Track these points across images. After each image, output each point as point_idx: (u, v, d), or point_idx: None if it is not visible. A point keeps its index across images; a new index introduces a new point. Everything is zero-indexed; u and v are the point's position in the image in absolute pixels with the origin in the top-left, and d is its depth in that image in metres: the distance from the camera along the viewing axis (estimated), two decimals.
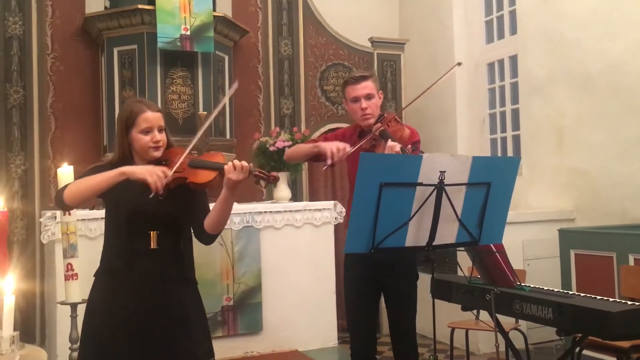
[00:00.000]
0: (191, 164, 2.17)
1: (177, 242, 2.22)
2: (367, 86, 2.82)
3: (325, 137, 3.07)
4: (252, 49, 5.56)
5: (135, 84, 4.66)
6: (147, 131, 2.17)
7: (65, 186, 2.14)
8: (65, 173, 3.10)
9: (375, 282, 2.82)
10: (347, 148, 2.69)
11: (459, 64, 3.05)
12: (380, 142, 2.73)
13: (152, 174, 2.04)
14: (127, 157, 2.21)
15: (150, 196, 2.04)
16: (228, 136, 5.08)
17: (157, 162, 2.21)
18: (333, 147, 2.68)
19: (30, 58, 4.84)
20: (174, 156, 2.22)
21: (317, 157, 2.89)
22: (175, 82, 4.74)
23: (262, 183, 2.18)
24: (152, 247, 2.15)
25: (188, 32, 4.57)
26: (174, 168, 2.10)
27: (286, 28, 5.66)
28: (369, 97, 2.81)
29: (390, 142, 2.61)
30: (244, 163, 2.10)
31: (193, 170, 2.16)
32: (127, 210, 2.14)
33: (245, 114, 5.46)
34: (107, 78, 4.78)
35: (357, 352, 2.84)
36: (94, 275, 2.25)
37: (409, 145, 2.71)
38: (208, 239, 2.25)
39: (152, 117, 2.18)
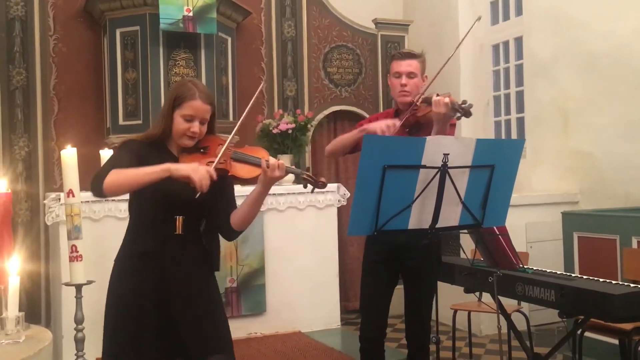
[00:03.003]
0: (234, 157, 2.15)
1: (199, 229, 2.22)
2: (412, 64, 2.80)
3: (361, 123, 3.02)
4: (255, 31, 5.52)
5: (138, 66, 4.64)
6: (188, 119, 2.11)
7: (104, 173, 2.02)
8: (69, 155, 3.10)
9: (394, 263, 2.79)
10: (397, 123, 2.64)
11: (479, 18, 2.99)
12: (422, 107, 2.67)
13: (197, 172, 1.98)
14: (167, 134, 2.16)
15: (197, 196, 2.00)
16: (231, 118, 5.07)
17: (194, 148, 2.16)
18: (383, 126, 2.62)
19: (33, 39, 4.82)
20: (213, 145, 2.18)
21: (358, 145, 2.85)
22: (178, 63, 4.71)
23: (309, 187, 2.15)
24: (177, 232, 2.13)
25: (191, 14, 4.53)
26: (216, 163, 2.07)
27: (289, 9, 5.61)
28: (410, 75, 2.80)
29: (436, 97, 2.54)
30: (280, 162, 2.09)
31: (235, 163, 2.14)
32: (163, 195, 2.09)
33: (249, 96, 5.40)
34: (109, 60, 4.76)
35: (366, 334, 2.84)
36: (116, 260, 2.21)
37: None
38: (231, 234, 2.23)
39: (199, 107, 2.11)
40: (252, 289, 4.55)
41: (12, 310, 1.92)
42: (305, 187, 2.17)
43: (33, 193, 4.76)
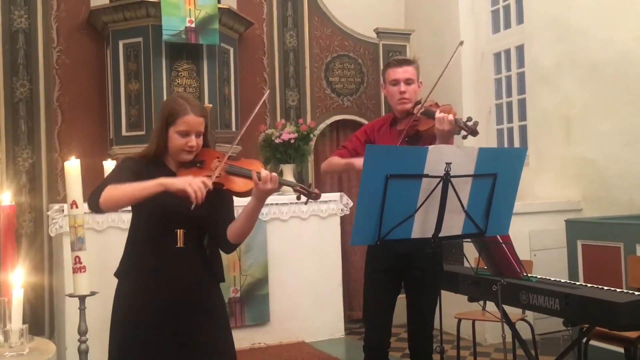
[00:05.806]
0: (229, 171, 2.14)
1: (202, 241, 2.21)
2: (408, 71, 2.82)
3: (364, 128, 3.05)
4: (257, 41, 5.54)
5: (141, 77, 4.66)
6: (184, 134, 2.11)
7: (100, 189, 2.04)
8: (72, 166, 3.11)
9: (397, 273, 2.79)
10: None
11: (461, 43, 3.00)
12: (423, 120, 2.69)
13: (192, 185, 1.98)
14: (161, 151, 2.17)
15: (192, 207, 1.99)
16: (234, 128, 5.08)
17: (191, 163, 2.17)
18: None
19: (36, 51, 4.85)
20: (209, 159, 2.18)
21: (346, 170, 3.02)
22: (181, 74, 4.74)
23: (303, 198, 2.13)
24: (178, 245, 2.13)
25: (193, 25, 4.56)
26: (213, 177, 2.07)
27: (291, 19, 5.64)
28: (408, 82, 2.81)
29: (439, 114, 2.57)
30: (274, 174, 2.08)
31: (230, 177, 2.13)
32: (162, 209, 2.09)
33: (251, 106, 5.42)
34: (112, 71, 4.78)
35: (370, 344, 2.83)
36: (116, 276, 2.22)
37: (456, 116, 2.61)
38: (229, 247, 2.22)
39: (193, 121, 2.10)
40: (255, 299, 4.54)
41: (16, 322, 1.92)
42: (298, 198, 2.16)
43: (37, 204, 4.77)
